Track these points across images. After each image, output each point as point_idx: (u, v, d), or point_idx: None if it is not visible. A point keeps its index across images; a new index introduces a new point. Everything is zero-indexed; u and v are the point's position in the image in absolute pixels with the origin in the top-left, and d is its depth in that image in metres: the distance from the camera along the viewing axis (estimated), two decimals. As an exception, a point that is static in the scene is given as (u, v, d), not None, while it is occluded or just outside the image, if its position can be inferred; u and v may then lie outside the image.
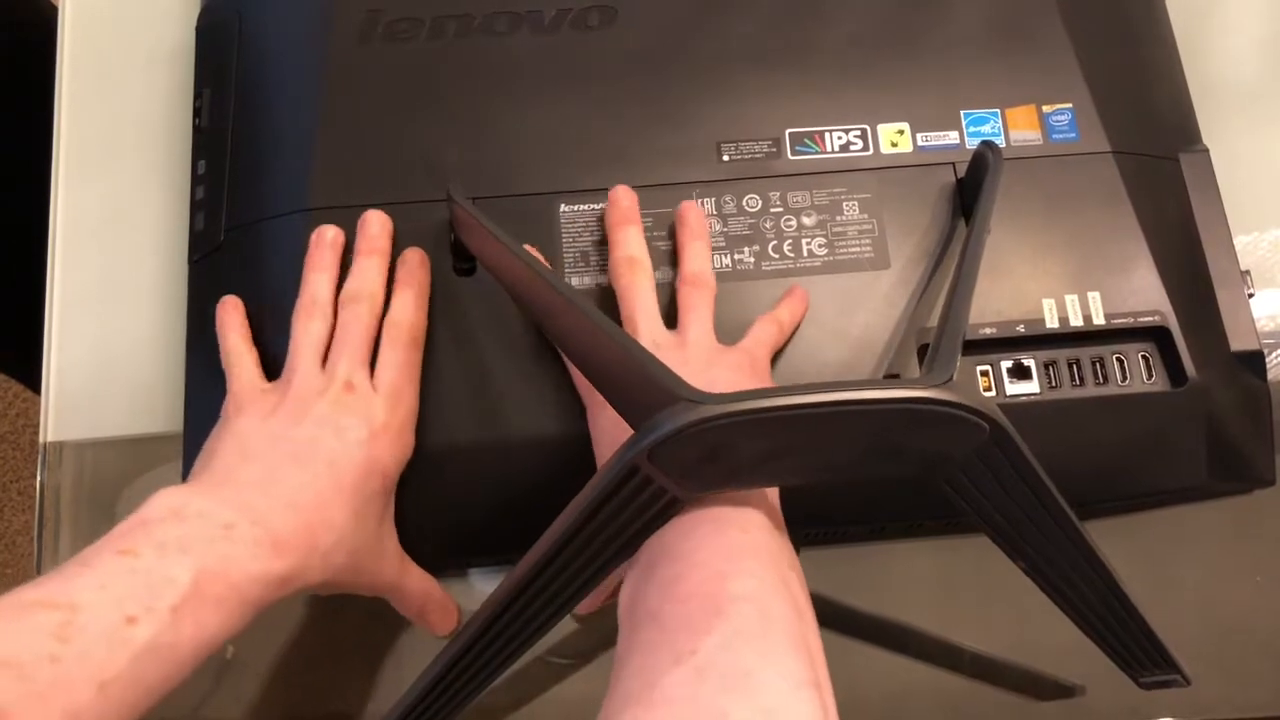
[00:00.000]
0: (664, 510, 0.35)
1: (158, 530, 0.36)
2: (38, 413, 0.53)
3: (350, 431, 0.41)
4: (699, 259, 0.46)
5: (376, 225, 0.47)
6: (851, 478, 0.37)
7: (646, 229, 0.48)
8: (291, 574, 0.38)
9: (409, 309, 0.45)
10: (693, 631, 0.31)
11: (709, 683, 0.30)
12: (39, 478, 0.52)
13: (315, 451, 0.40)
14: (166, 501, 0.37)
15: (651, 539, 0.36)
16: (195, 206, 0.51)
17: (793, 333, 0.47)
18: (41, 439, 0.53)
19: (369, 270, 0.46)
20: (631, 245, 0.46)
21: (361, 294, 0.45)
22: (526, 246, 0.47)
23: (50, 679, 0.31)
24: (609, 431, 0.42)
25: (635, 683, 0.31)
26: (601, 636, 0.50)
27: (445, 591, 0.47)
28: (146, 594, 0.34)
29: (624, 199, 0.47)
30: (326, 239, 0.46)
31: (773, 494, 0.39)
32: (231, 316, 0.47)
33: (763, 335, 0.45)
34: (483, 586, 0.51)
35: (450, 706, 0.40)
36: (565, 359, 0.45)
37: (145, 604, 0.34)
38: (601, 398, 0.41)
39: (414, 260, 0.47)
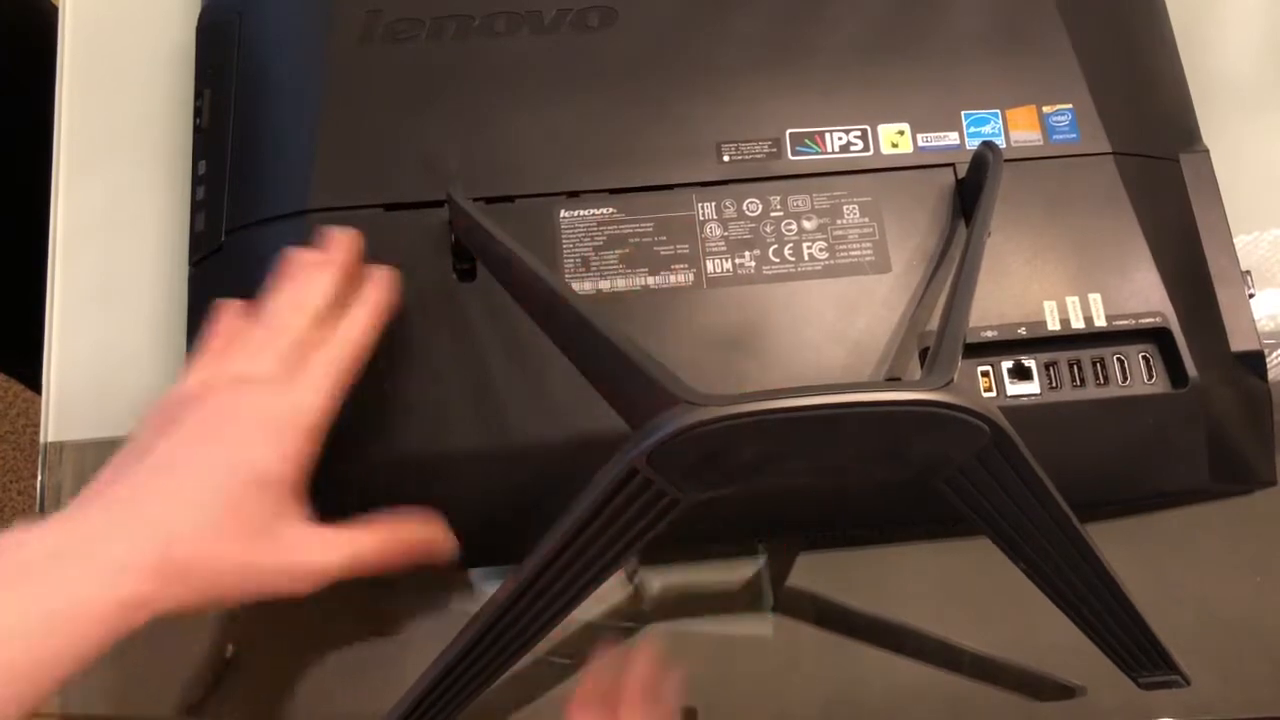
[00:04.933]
0: (664, 511, 0.35)
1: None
2: (38, 413, 0.54)
3: (238, 433, 0.39)
4: None
5: (340, 243, 0.45)
6: (852, 480, 0.37)
7: (646, 233, 0.48)
8: (146, 599, 0.36)
9: (359, 328, 0.43)
10: None
11: None
12: (39, 478, 0.52)
13: (190, 459, 0.38)
14: (14, 534, 0.36)
15: None
16: (195, 207, 0.51)
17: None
18: (42, 439, 0.53)
19: (320, 281, 0.43)
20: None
21: (305, 303, 0.43)
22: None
23: None
24: None
25: None
26: (602, 637, 0.50)
27: (415, 530, 0.42)
28: None
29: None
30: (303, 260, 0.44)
31: None
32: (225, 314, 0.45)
33: None
34: (485, 588, 0.51)
35: (450, 707, 0.41)
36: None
37: None
38: None
39: (381, 280, 0.45)
